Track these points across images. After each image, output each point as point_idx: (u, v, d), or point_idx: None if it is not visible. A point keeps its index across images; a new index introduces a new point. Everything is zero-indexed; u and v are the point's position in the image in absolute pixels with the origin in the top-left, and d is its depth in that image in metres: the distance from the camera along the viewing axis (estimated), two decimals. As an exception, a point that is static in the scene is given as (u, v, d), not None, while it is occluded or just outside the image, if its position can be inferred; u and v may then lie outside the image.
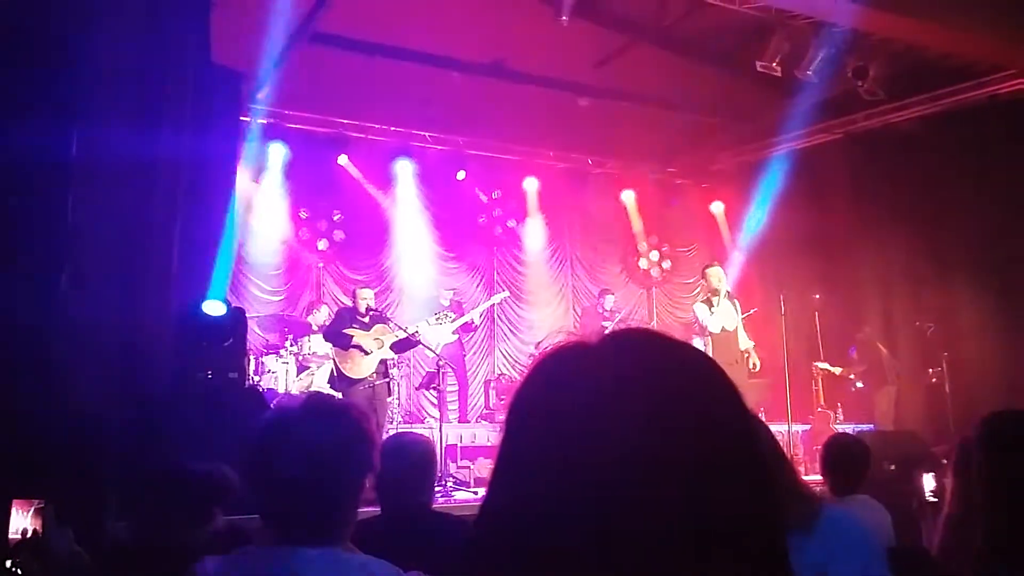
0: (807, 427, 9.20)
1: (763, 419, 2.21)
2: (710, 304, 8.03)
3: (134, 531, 2.77)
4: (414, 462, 2.76)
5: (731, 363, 7.83)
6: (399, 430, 7.80)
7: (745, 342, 8.18)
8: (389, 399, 8.21)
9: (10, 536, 2.42)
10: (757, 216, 10.99)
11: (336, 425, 1.62)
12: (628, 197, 12.23)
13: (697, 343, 10.01)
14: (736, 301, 8.17)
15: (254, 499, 1.62)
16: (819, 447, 4.11)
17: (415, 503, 2.77)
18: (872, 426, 8.96)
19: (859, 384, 9.40)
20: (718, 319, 7.96)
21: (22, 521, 2.44)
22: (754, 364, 8.19)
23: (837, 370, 9.26)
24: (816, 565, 2.00)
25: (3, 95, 4.61)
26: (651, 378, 0.71)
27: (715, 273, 8.11)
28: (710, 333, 7.95)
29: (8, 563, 2.33)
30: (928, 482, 3.70)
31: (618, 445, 0.67)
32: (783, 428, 7.81)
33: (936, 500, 3.10)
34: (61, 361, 4.67)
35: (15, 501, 2.47)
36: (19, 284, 4.53)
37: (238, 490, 2.65)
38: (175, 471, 2.65)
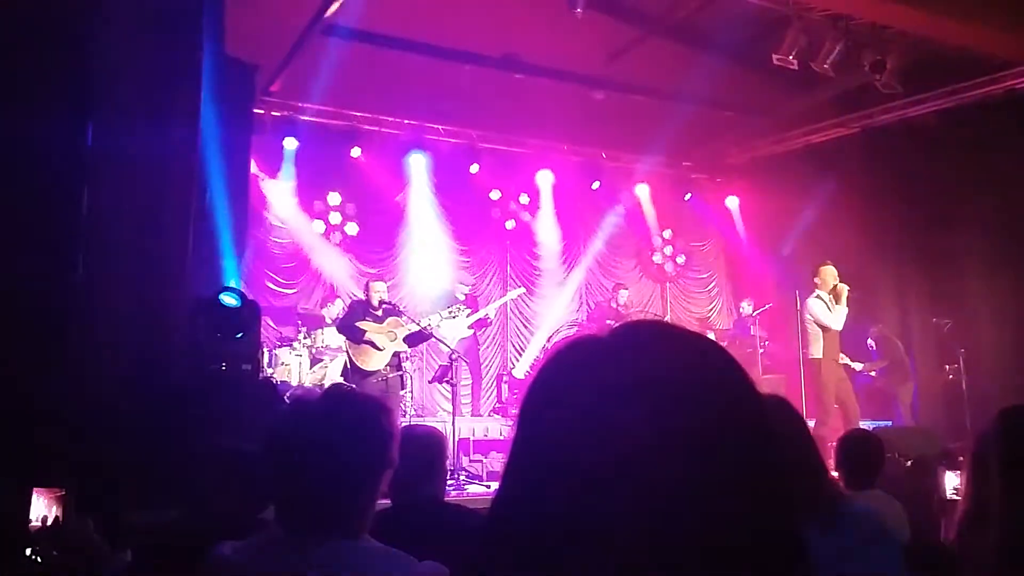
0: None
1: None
2: (825, 301, 8.07)
3: (186, 513, 2.79)
4: (421, 454, 2.76)
5: (837, 359, 8.06)
6: (412, 423, 7.82)
7: None
8: (402, 392, 8.23)
9: (31, 524, 2.44)
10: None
11: (356, 419, 1.62)
12: (642, 191, 12.19)
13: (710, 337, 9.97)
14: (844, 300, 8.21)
15: (272, 489, 1.63)
16: (834, 443, 4.11)
17: (424, 495, 2.78)
18: (890, 422, 8.90)
19: (872, 373, 9.33)
20: (837, 316, 8.03)
21: (43, 510, 2.46)
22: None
23: (858, 366, 9.18)
24: (834, 560, 1.99)
25: (21, 89, 4.64)
26: (664, 370, 0.71)
27: (831, 271, 8.14)
28: (825, 329, 8.00)
29: (28, 551, 2.35)
30: (950, 479, 3.68)
31: (631, 437, 0.67)
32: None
33: (958, 498, 3.08)
34: (78, 352, 4.71)
35: (36, 490, 2.50)
36: (36, 275, 4.57)
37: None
38: (246, 451, 2.67)
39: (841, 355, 8.42)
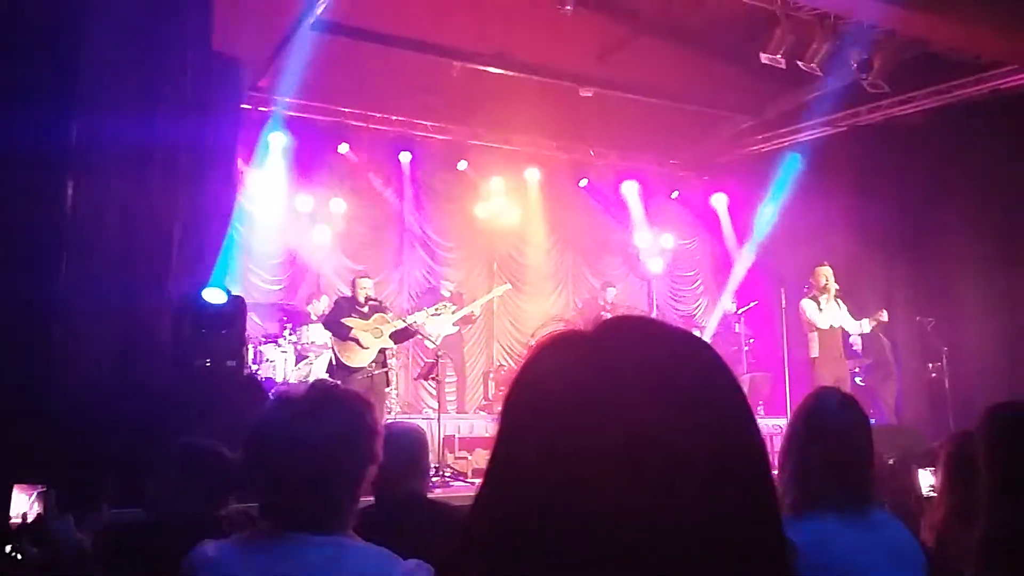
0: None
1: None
2: (817, 301, 8.16)
3: (149, 505, 2.78)
4: (402, 451, 2.76)
5: (836, 359, 8.11)
6: (397, 420, 7.81)
7: (854, 330, 8.39)
8: (387, 389, 8.22)
9: (11, 520, 2.42)
10: (769, 211, 11.01)
11: (339, 415, 1.61)
12: (630, 188, 12.21)
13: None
14: (840, 300, 8.30)
15: (256, 486, 1.62)
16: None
17: (407, 492, 2.77)
18: (873, 421, 8.94)
19: (859, 381, 9.37)
20: (826, 316, 8.12)
21: (23, 506, 2.44)
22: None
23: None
24: (865, 556, 2.00)
25: (3, 83, 4.60)
26: (648, 366, 0.70)
27: (825, 272, 8.21)
28: (818, 329, 8.09)
29: (8, 548, 2.33)
30: (925, 477, 3.70)
31: (614, 434, 0.67)
32: (782, 422, 7.80)
33: (935, 494, 3.10)
34: (61, 348, 4.67)
35: (16, 486, 2.48)
36: (19, 272, 4.53)
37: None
38: (205, 448, 2.66)
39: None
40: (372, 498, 2.72)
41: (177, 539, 1.64)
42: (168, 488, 2.63)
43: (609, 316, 0.77)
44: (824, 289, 8.12)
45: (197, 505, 2.53)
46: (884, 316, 8.37)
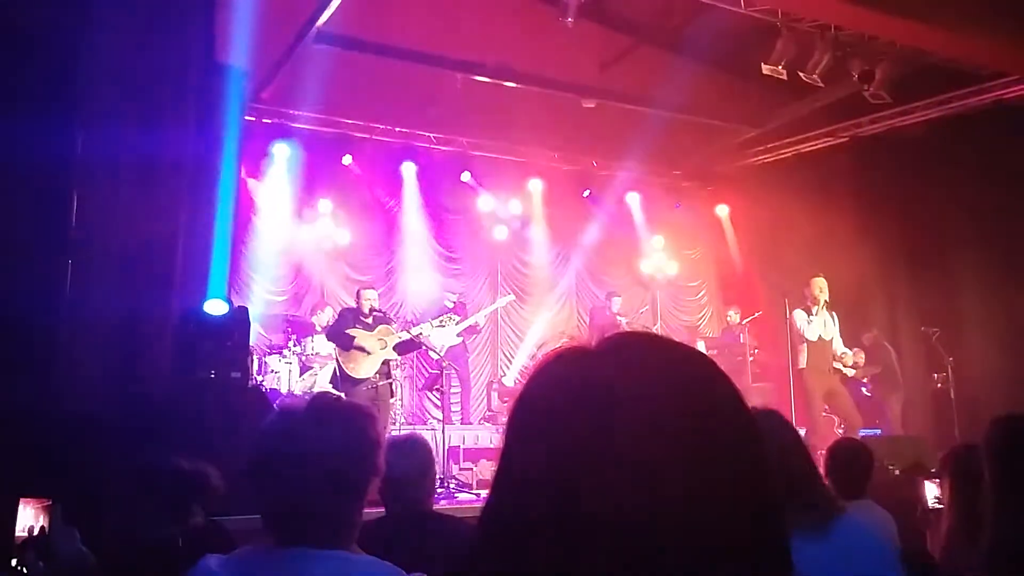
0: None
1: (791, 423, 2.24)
2: (809, 312, 8.18)
3: (115, 527, 2.78)
4: (411, 463, 2.76)
5: (825, 371, 8.11)
6: (401, 431, 7.80)
7: (840, 348, 8.42)
8: (392, 400, 8.21)
9: (17, 534, 2.42)
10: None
11: (341, 427, 1.61)
12: (633, 199, 12.22)
13: (700, 346, 9.99)
14: (834, 313, 8.31)
15: (258, 500, 1.61)
16: (823, 451, 4.13)
17: (415, 504, 2.77)
18: (879, 431, 8.93)
19: (864, 380, 9.37)
20: (815, 328, 8.12)
21: (29, 520, 2.44)
22: (854, 364, 8.58)
23: (850, 372, 9.20)
24: (829, 568, 1.99)
25: (8, 95, 4.63)
26: (653, 382, 0.71)
27: (819, 283, 8.23)
28: (807, 340, 8.11)
29: (14, 562, 2.33)
30: (931, 489, 3.69)
31: (619, 449, 0.67)
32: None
33: (941, 506, 3.09)
34: (66, 360, 4.68)
35: (23, 500, 2.48)
36: (23, 283, 4.54)
37: (219, 489, 2.67)
38: (146, 467, 2.65)
39: (838, 362, 8.49)
40: (380, 510, 2.72)
41: (146, 551, 1.64)
42: (128, 510, 2.62)
43: (617, 329, 0.78)
44: (815, 300, 8.12)
45: (156, 520, 2.50)
46: (857, 357, 8.49)
